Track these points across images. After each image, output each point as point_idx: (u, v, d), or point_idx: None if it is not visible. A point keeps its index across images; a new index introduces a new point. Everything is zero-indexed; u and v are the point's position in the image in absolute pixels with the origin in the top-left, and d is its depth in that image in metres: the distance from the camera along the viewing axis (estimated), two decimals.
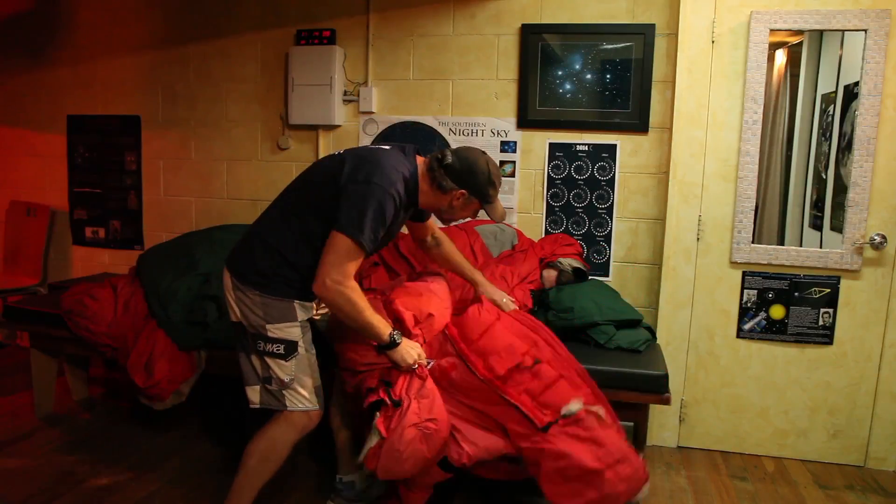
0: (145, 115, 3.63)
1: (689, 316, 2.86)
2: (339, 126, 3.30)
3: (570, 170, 3.04)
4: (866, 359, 2.72)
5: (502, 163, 3.12)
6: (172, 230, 3.58)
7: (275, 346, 1.94)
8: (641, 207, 2.99)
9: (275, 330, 1.94)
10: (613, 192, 3.01)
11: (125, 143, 3.67)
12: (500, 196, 3.15)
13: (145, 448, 2.73)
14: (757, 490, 2.56)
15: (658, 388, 2.23)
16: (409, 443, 1.83)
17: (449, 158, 1.94)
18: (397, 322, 2.04)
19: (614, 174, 3.00)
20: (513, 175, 3.12)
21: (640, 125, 2.94)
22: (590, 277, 2.83)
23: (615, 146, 2.98)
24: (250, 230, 2.02)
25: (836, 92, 2.82)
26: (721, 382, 2.86)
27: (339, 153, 1.99)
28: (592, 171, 3.02)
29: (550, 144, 3.05)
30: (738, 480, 2.64)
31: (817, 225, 2.91)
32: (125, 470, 2.54)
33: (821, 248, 2.77)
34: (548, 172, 3.07)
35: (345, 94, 3.27)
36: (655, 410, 2.86)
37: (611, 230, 3.03)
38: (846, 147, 2.71)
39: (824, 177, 2.88)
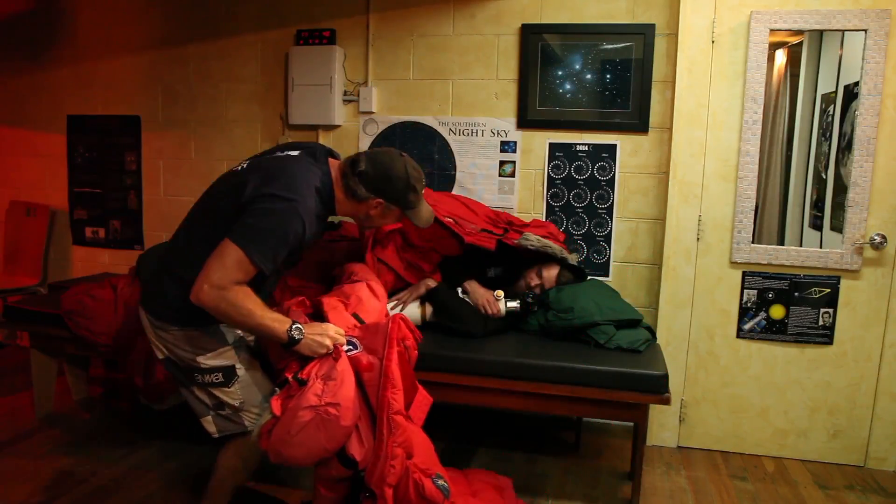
0: (145, 115, 3.63)
1: (689, 316, 2.86)
2: (339, 126, 3.30)
3: (570, 170, 3.04)
4: (866, 359, 2.72)
5: (502, 163, 3.12)
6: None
7: (212, 375, 1.83)
8: (641, 207, 2.99)
9: (206, 360, 1.83)
10: (613, 192, 3.01)
11: (125, 143, 3.67)
12: (499, 196, 3.17)
13: (145, 448, 2.73)
14: (757, 490, 2.56)
15: (658, 388, 2.23)
16: (303, 427, 1.68)
17: (362, 165, 1.81)
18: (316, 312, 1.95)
19: (614, 174, 3.00)
20: (513, 175, 3.12)
21: (640, 125, 2.94)
22: (589, 278, 2.83)
23: (615, 146, 2.98)
24: (157, 265, 1.90)
25: (836, 92, 2.82)
26: (721, 382, 2.86)
27: (241, 167, 1.84)
28: (592, 171, 3.02)
29: (550, 144, 3.05)
30: (738, 480, 2.64)
31: (817, 225, 2.91)
32: (125, 470, 2.54)
33: (821, 248, 2.77)
34: (548, 172, 3.07)
35: (345, 94, 3.27)
36: (655, 410, 2.86)
37: (611, 230, 3.03)
38: (846, 147, 2.71)
39: (824, 177, 2.88)
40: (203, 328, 1.82)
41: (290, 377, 1.76)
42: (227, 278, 1.64)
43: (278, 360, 1.92)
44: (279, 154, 1.87)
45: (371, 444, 1.77)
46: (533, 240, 2.64)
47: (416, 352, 2.05)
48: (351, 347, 1.85)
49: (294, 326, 1.75)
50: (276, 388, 1.79)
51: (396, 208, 1.89)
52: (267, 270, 1.69)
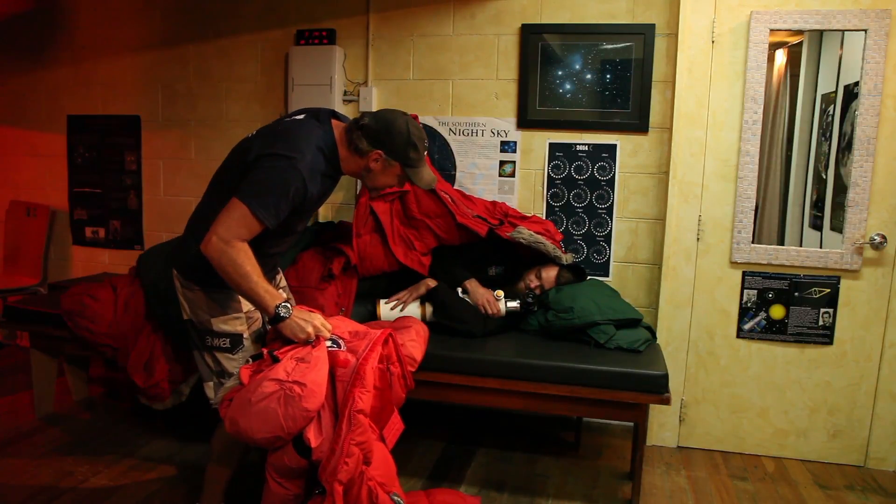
0: (145, 115, 3.62)
1: (689, 316, 2.86)
2: None
3: (570, 170, 3.04)
4: (866, 359, 2.72)
5: (502, 163, 3.12)
6: (172, 230, 3.58)
7: (221, 340, 1.93)
8: (641, 207, 2.99)
9: (219, 324, 1.93)
10: (613, 192, 3.01)
11: (125, 143, 3.67)
12: (499, 196, 3.17)
13: (145, 448, 2.73)
14: (757, 490, 2.56)
15: (658, 388, 2.23)
16: (265, 397, 1.69)
17: (365, 119, 1.88)
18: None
19: (614, 174, 3.00)
20: (513, 175, 3.12)
21: (640, 125, 2.94)
22: (589, 277, 2.83)
23: (615, 146, 2.98)
24: (186, 225, 2.00)
25: (836, 92, 2.82)
26: (721, 382, 2.86)
27: (250, 135, 1.94)
28: (592, 171, 3.02)
29: (550, 144, 3.05)
30: (738, 480, 2.64)
31: (817, 225, 2.91)
32: (125, 470, 2.54)
33: (821, 248, 2.77)
34: (548, 172, 3.07)
35: (345, 94, 3.27)
36: (655, 410, 2.86)
37: (611, 230, 3.03)
38: (846, 147, 2.71)
39: (824, 177, 2.88)
40: (220, 291, 1.91)
41: (265, 351, 1.81)
42: (231, 233, 1.73)
43: (269, 344, 1.94)
44: (285, 120, 1.96)
45: (330, 436, 1.75)
46: (525, 234, 2.65)
47: (402, 380, 2.03)
48: (333, 345, 1.86)
49: (284, 304, 1.80)
50: (250, 359, 1.84)
51: (396, 163, 1.91)
52: (269, 224, 1.77)
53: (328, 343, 1.85)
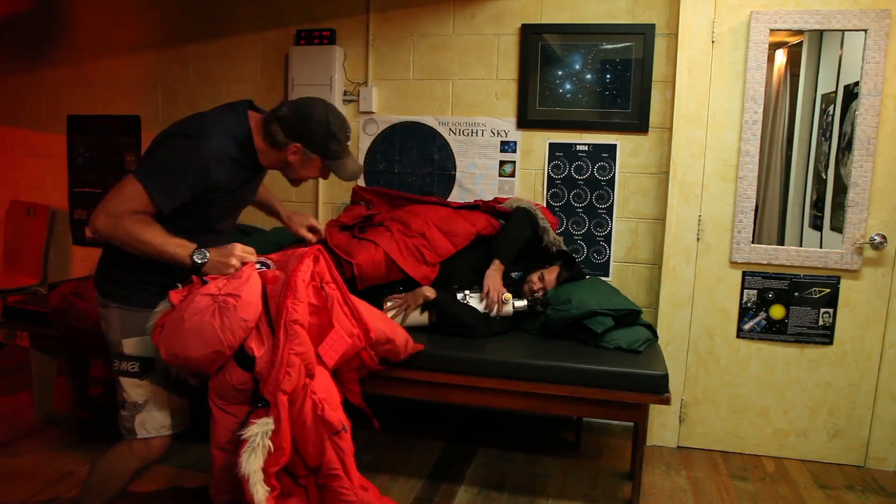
0: (145, 115, 3.62)
1: (689, 316, 2.86)
2: None
3: (570, 170, 3.04)
4: (866, 359, 2.72)
5: (502, 163, 3.12)
6: None
7: (129, 364, 1.80)
8: (641, 207, 2.99)
9: (130, 345, 1.80)
10: (613, 192, 3.01)
11: (125, 143, 3.67)
12: (501, 197, 3.16)
13: None
14: (757, 490, 2.56)
15: (658, 388, 2.23)
16: (199, 311, 1.63)
17: (282, 110, 1.78)
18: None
19: (614, 174, 3.00)
20: (513, 175, 3.12)
21: (640, 125, 2.94)
22: (587, 277, 2.83)
23: (615, 146, 2.98)
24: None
25: (836, 92, 2.82)
26: (721, 382, 2.86)
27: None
28: (592, 171, 3.02)
29: (550, 144, 3.05)
30: (738, 480, 2.64)
31: (817, 225, 2.91)
32: None
33: (821, 248, 2.77)
34: (548, 172, 3.07)
35: (345, 94, 3.27)
36: (655, 410, 2.86)
37: (611, 230, 3.03)
38: (846, 147, 2.71)
39: (824, 177, 2.88)
40: (140, 311, 1.78)
41: (195, 278, 1.74)
42: (122, 207, 1.65)
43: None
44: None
45: (270, 351, 1.70)
46: (524, 202, 2.79)
47: (336, 291, 1.91)
48: (262, 266, 1.82)
49: (197, 251, 1.72)
50: (179, 285, 1.75)
51: (316, 156, 1.82)
52: (163, 206, 1.68)
53: (257, 265, 1.81)
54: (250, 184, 1.91)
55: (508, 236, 2.67)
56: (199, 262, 1.72)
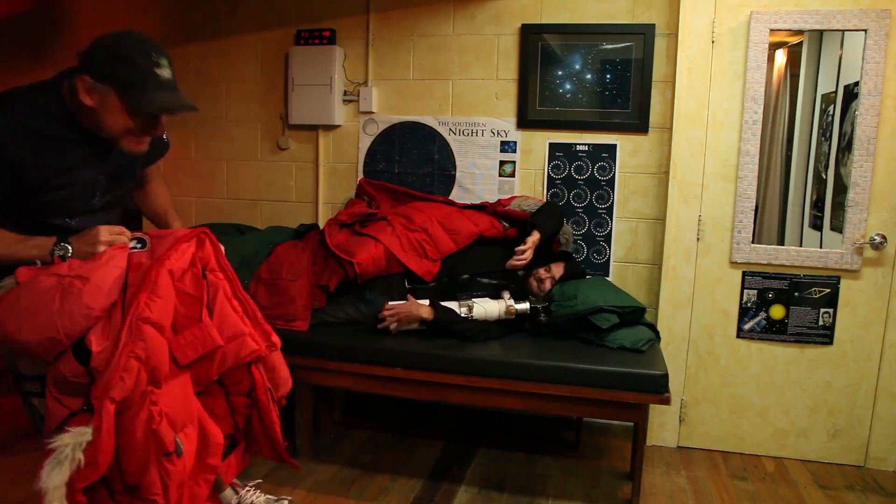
0: None
1: (689, 316, 2.86)
2: (339, 126, 3.30)
3: (570, 170, 3.04)
4: (866, 359, 2.72)
5: (502, 163, 3.12)
6: None
7: (31, 384, 1.61)
8: (641, 207, 2.99)
9: (27, 367, 1.60)
10: (613, 192, 3.01)
11: None
12: (499, 196, 3.16)
13: None
14: (757, 490, 2.56)
15: (658, 388, 2.23)
16: (38, 291, 1.46)
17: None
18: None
19: (614, 174, 3.00)
20: (513, 175, 3.12)
21: (640, 125, 2.94)
22: (590, 276, 2.83)
23: (615, 146, 2.98)
24: None
25: (836, 92, 2.82)
26: (721, 382, 2.86)
27: None
28: (592, 171, 3.02)
29: (550, 144, 3.05)
30: (738, 480, 2.64)
31: (817, 225, 2.91)
32: None
33: (821, 248, 2.77)
34: (548, 172, 3.07)
35: (345, 94, 3.27)
36: (655, 410, 2.86)
37: (611, 230, 3.03)
38: (846, 147, 2.71)
39: (824, 177, 2.88)
40: None
41: (56, 258, 1.56)
42: None
43: None
44: None
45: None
46: (529, 203, 2.85)
47: (224, 282, 1.69)
48: (139, 244, 1.61)
49: (57, 245, 1.55)
50: (17, 273, 1.55)
51: (108, 87, 1.50)
52: None
53: (132, 243, 1.61)
54: (101, 164, 1.65)
55: (551, 214, 2.75)
56: (62, 254, 1.54)
